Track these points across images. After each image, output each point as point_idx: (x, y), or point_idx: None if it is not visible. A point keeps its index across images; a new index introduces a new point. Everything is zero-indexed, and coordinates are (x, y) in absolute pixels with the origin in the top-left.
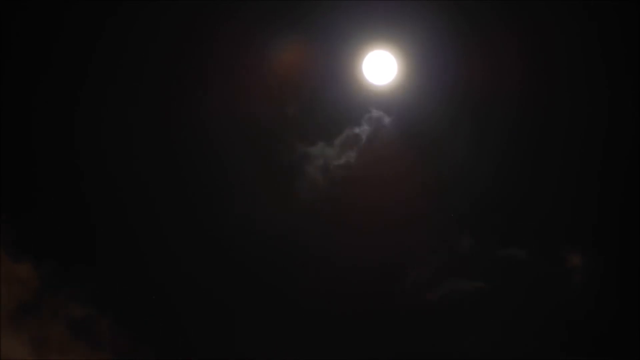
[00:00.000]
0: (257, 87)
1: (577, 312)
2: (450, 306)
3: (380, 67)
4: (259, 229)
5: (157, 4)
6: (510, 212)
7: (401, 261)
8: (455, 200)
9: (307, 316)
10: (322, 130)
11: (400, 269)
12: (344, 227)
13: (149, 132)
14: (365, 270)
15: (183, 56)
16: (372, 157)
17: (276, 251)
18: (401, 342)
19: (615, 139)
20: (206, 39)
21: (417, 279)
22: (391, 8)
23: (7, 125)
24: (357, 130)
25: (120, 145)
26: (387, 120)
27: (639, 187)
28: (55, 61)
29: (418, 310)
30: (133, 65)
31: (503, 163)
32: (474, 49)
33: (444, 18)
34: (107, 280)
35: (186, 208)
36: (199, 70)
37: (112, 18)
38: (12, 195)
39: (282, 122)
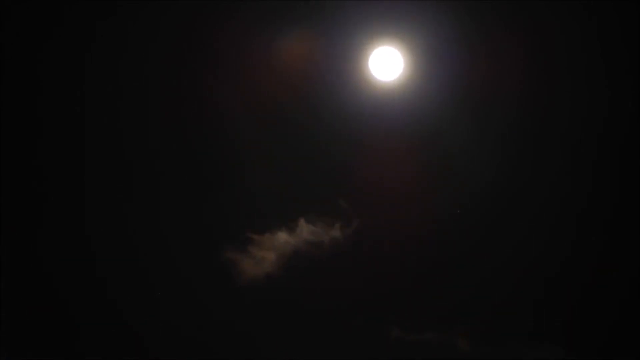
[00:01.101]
0: (259, 85)
1: None
2: None
3: (387, 63)
4: None
5: (157, 4)
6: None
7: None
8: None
9: None
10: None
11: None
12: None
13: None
14: None
15: (183, 56)
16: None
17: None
18: None
19: (615, 141)
20: (206, 38)
21: None
22: (394, 6)
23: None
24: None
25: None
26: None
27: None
28: (55, 62)
29: None
30: (132, 66)
31: (503, 163)
32: (477, 48)
33: (448, 16)
34: None
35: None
36: (199, 71)
37: (112, 18)
38: None
39: None
